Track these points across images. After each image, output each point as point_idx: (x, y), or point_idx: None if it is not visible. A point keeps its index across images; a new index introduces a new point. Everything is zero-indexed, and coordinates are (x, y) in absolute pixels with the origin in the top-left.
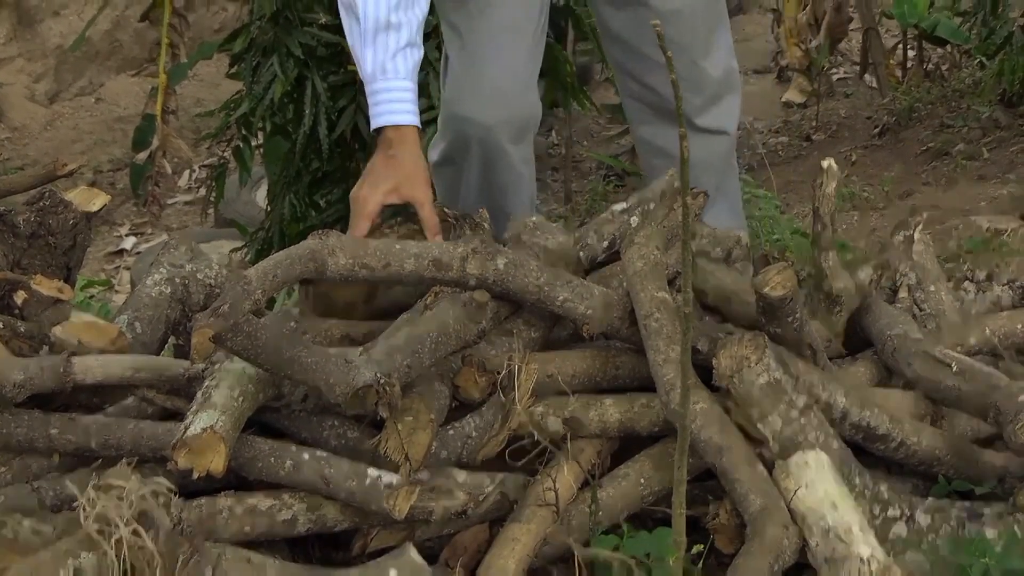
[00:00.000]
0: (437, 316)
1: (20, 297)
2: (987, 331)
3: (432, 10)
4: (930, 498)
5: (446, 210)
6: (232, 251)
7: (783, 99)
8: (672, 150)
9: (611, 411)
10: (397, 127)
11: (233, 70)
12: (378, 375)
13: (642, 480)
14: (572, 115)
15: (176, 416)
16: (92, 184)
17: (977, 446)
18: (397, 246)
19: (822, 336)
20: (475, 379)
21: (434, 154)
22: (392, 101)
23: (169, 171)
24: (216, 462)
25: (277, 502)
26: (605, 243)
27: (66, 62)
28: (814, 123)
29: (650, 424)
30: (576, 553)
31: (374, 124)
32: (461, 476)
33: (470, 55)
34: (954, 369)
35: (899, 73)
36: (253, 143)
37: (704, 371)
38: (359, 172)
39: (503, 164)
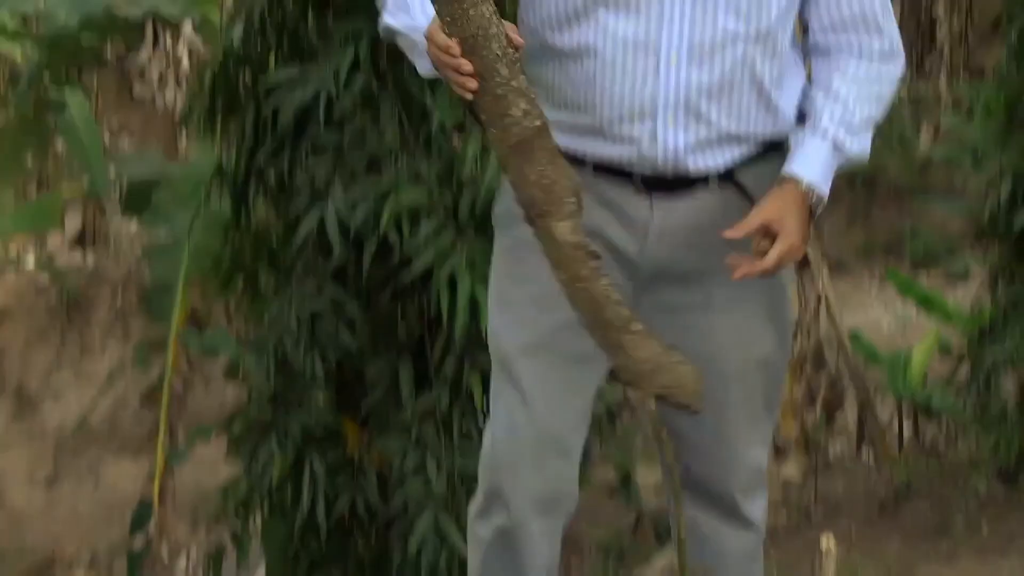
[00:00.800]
0: None
1: None
2: None
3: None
4: None
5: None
6: None
7: (781, 475)
8: (697, 530)
9: None
10: None
11: (232, 452)
12: None
13: None
14: None
15: None
16: (89, 570)
17: None
18: None
19: None
20: None
21: (473, 507)
22: None
23: (166, 559)
24: None
25: None
26: None
27: (65, 445)
28: (812, 498)
29: None
30: None
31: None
32: None
33: (520, 398)
34: None
35: (896, 447)
36: (251, 525)
37: None
38: (357, 554)
39: (523, 533)
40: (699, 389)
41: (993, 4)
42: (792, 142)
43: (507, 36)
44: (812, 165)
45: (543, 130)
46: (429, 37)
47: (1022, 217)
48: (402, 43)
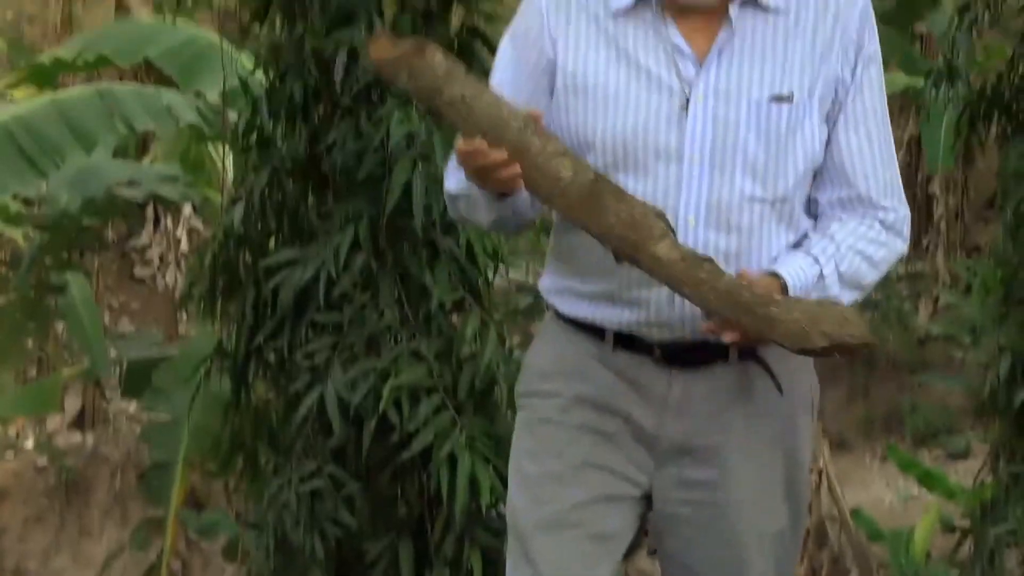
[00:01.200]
0: None
1: None
2: None
3: None
4: None
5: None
6: None
7: None
8: None
9: None
10: None
11: None
12: None
13: None
14: None
15: None
16: None
17: None
18: None
19: None
20: None
21: None
22: None
23: None
24: None
25: None
26: None
27: None
28: None
29: None
30: None
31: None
32: None
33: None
34: None
35: None
36: None
37: None
38: None
39: None
40: (863, 322)
41: (988, 183)
42: (781, 254)
43: (520, 111)
44: (797, 276)
45: (600, 178)
46: (458, 153)
47: (1022, 393)
48: (463, 206)
